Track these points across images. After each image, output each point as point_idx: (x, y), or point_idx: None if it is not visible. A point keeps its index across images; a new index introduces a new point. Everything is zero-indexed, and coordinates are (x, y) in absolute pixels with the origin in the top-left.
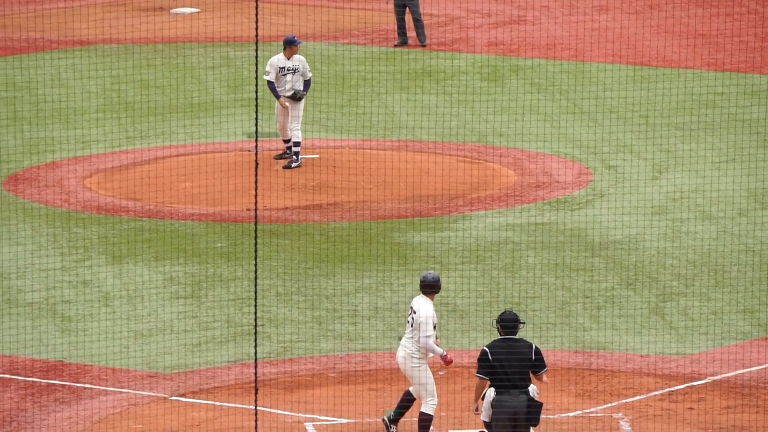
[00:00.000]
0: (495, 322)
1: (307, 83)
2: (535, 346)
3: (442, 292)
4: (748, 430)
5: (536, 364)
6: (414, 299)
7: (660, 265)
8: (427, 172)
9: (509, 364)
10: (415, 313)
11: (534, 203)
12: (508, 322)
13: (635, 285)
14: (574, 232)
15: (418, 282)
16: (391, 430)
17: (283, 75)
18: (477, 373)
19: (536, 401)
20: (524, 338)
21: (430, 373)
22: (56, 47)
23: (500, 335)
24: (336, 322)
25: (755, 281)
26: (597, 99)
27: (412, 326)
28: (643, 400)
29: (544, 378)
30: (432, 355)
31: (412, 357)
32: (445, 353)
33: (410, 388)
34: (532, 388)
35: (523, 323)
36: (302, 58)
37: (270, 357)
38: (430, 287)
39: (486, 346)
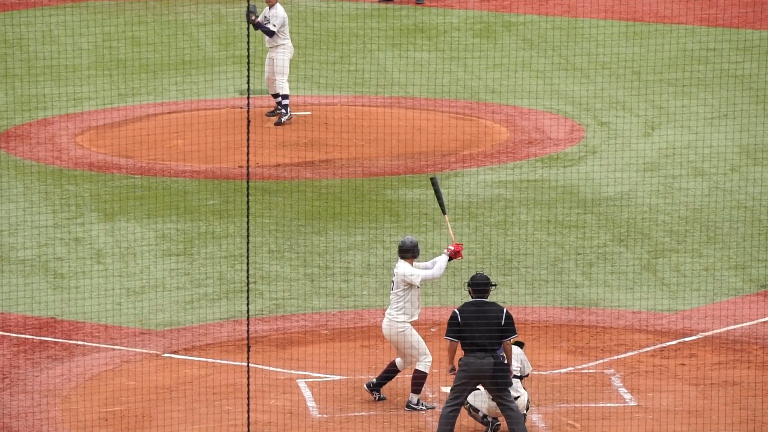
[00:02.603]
0: (466, 284)
1: (266, 30)
2: (506, 311)
3: (434, 249)
4: (739, 386)
5: (505, 328)
6: (395, 268)
7: (652, 221)
8: (419, 129)
9: (477, 327)
10: (393, 275)
11: (526, 160)
12: (479, 285)
13: (627, 241)
14: (566, 189)
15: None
16: (375, 396)
17: (265, 24)
18: (446, 335)
19: (503, 363)
20: (496, 302)
21: (416, 334)
22: (47, 3)
23: (471, 298)
24: (328, 279)
25: (747, 237)
26: (589, 55)
27: (392, 288)
28: (635, 357)
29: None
30: (417, 313)
31: (396, 322)
32: (446, 251)
33: (396, 360)
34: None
35: (495, 285)
36: (280, 12)
37: (262, 314)
38: (408, 251)
39: (456, 308)
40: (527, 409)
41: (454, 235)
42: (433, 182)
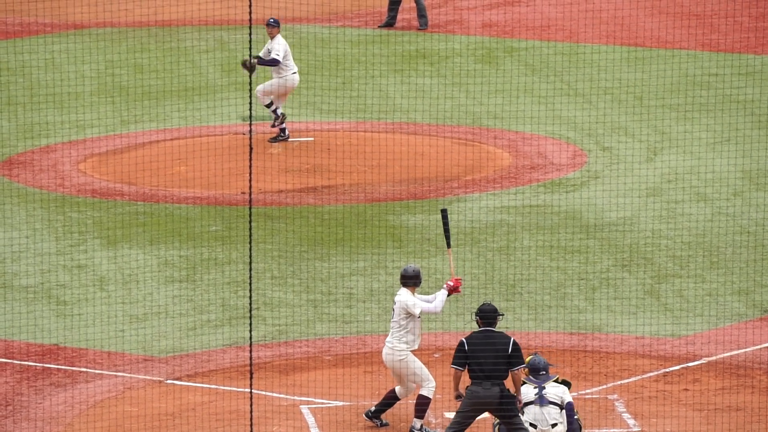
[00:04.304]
0: (474, 314)
1: (270, 60)
2: (514, 341)
3: (437, 275)
4: (743, 411)
5: (512, 359)
6: (397, 296)
7: (655, 246)
8: (421, 155)
9: (484, 356)
10: (395, 304)
11: (529, 185)
12: (487, 314)
13: (630, 266)
14: (569, 214)
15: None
16: (377, 423)
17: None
18: (452, 363)
19: (510, 393)
20: (504, 332)
21: (418, 361)
22: (50, 31)
23: (479, 327)
24: (331, 304)
25: (750, 262)
26: (591, 80)
27: (394, 318)
28: (639, 382)
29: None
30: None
31: (397, 350)
32: (445, 285)
33: (396, 388)
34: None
35: (502, 315)
36: (282, 42)
37: (265, 340)
38: (410, 278)
39: (464, 337)
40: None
41: (455, 268)
42: (443, 214)
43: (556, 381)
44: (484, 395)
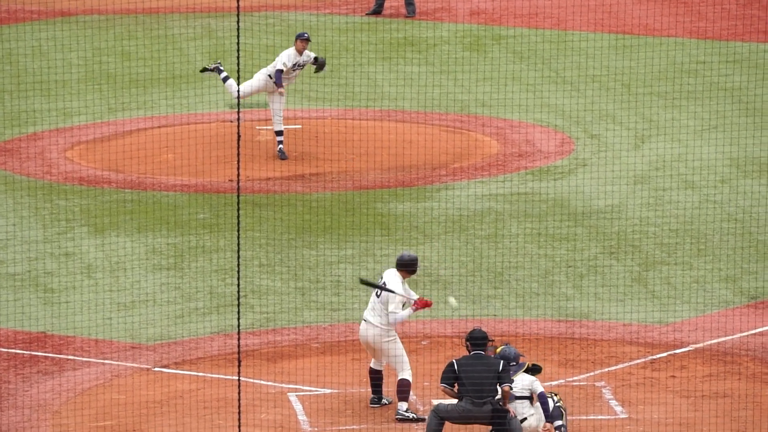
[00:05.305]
0: (464, 340)
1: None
2: (503, 363)
3: (425, 262)
4: (730, 398)
5: (501, 376)
6: (386, 272)
7: (642, 233)
8: (409, 142)
9: (476, 378)
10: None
11: (516, 172)
12: (477, 340)
13: (618, 254)
14: (556, 201)
15: (403, 266)
16: (384, 403)
17: (293, 70)
18: (441, 382)
19: (502, 409)
20: (493, 357)
21: (401, 344)
22: (37, 18)
23: (469, 353)
24: (319, 292)
25: (737, 249)
26: (579, 68)
27: (379, 296)
28: (626, 369)
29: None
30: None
31: (387, 332)
32: (414, 302)
33: (371, 364)
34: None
35: (492, 341)
36: (311, 53)
37: (253, 328)
38: (406, 266)
39: (455, 359)
40: (558, 401)
41: (410, 295)
42: (364, 282)
43: (525, 370)
44: (477, 412)
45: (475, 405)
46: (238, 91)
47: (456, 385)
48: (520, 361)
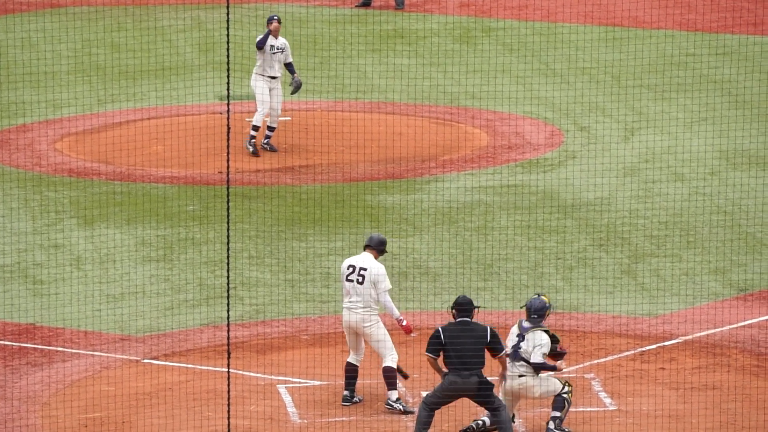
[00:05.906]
0: (450, 307)
1: (289, 67)
2: (491, 329)
3: (414, 254)
4: (719, 390)
5: (494, 346)
6: (353, 258)
7: (631, 225)
8: (399, 134)
9: (462, 345)
10: (364, 269)
11: (506, 165)
12: (463, 306)
13: (607, 246)
14: (546, 194)
15: (381, 244)
16: (356, 399)
17: (273, 54)
18: (426, 350)
19: (488, 382)
20: (480, 322)
21: (384, 328)
22: (26, 9)
23: (455, 320)
24: (308, 284)
25: (726, 241)
26: (569, 60)
27: (361, 283)
28: (615, 361)
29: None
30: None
31: (370, 315)
32: (401, 318)
33: (349, 359)
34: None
35: (478, 308)
36: (286, 42)
37: (242, 320)
38: (376, 246)
39: (440, 326)
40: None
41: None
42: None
43: (546, 332)
44: (462, 384)
45: (461, 377)
46: (263, 114)
47: (442, 354)
48: (543, 324)
